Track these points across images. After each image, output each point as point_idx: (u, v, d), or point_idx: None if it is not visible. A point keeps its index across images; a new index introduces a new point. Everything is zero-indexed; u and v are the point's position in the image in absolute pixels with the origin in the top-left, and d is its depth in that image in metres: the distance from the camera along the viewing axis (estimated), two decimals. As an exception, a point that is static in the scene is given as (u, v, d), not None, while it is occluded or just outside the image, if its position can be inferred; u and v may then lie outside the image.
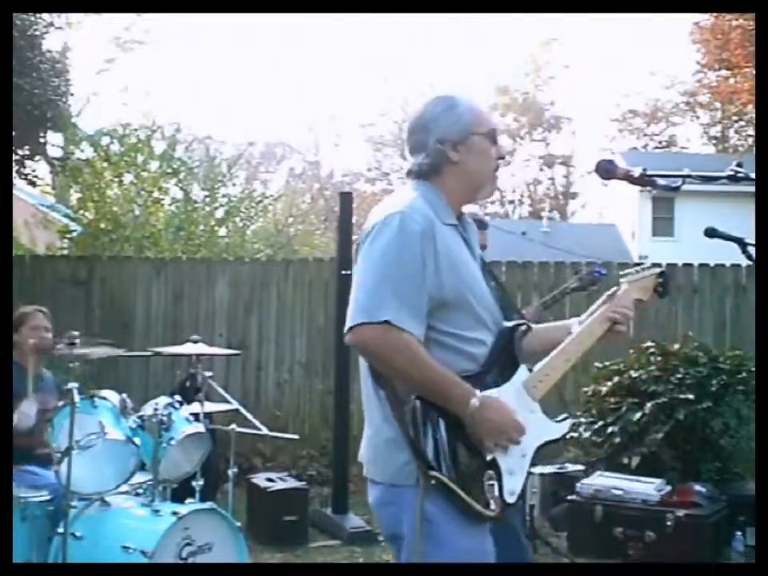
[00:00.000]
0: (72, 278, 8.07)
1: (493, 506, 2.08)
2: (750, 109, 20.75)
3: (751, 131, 23.87)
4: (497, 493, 2.09)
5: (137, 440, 3.82)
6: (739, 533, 5.09)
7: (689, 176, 2.16)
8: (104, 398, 3.88)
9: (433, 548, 2.06)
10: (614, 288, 2.42)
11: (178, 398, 4.27)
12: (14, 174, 11.26)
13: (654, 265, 2.64)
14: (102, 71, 24.99)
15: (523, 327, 2.27)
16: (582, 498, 5.33)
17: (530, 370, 2.24)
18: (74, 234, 10.90)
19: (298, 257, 11.52)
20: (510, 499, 2.11)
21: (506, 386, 2.18)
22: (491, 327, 2.22)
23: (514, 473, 2.13)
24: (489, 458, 2.10)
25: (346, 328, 2.08)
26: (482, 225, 3.94)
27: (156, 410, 4.01)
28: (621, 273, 2.46)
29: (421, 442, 2.03)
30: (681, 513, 4.96)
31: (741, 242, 2.18)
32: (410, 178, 2.28)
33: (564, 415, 2.28)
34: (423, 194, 2.20)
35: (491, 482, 2.09)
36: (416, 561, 2.08)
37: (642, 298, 2.43)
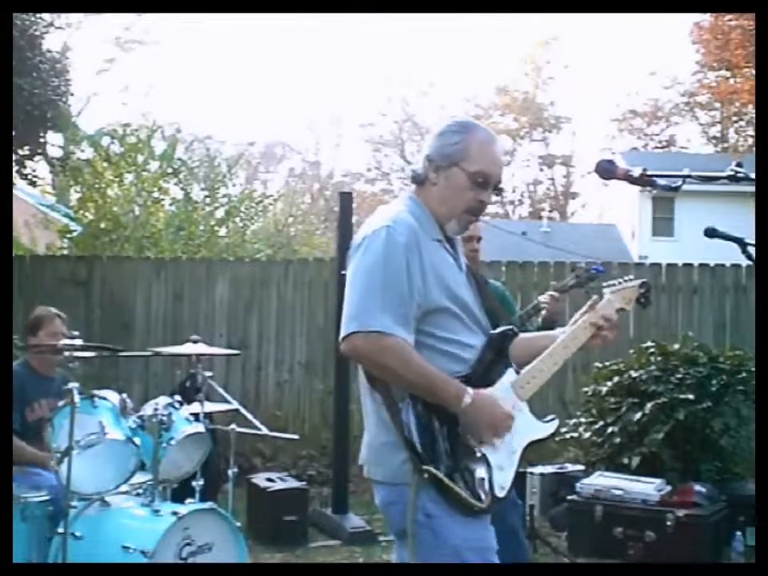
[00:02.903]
0: (72, 278, 8.07)
1: (483, 499, 2.17)
2: (750, 109, 20.74)
3: (751, 131, 23.85)
4: (487, 487, 2.19)
5: (137, 440, 3.82)
6: (739, 533, 5.09)
7: (689, 176, 2.16)
8: (104, 398, 3.87)
9: (436, 540, 2.16)
10: (595, 297, 2.52)
11: (177, 397, 4.27)
12: (14, 174, 11.25)
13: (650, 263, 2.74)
14: (102, 71, 25.07)
15: (510, 333, 2.39)
16: (582, 497, 5.33)
17: (518, 373, 2.34)
18: (74, 233, 10.91)
19: (297, 257, 11.53)
20: (500, 493, 2.21)
21: (493, 387, 2.28)
22: (479, 332, 2.33)
23: (504, 468, 2.23)
24: (479, 454, 2.19)
25: (339, 338, 2.20)
26: None
27: (156, 410, 4.00)
28: (603, 284, 2.57)
29: (414, 439, 2.13)
30: (681, 513, 4.97)
31: (741, 242, 2.18)
32: (410, 181, 2.40)
33: (552, 416, 2.40)
34: (410, 209, 2.30)
35: (482, 477, 2.18)
36: (416, 553, 2.17)
37: (625, 307, 2.55)
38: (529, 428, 2.33)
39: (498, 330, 2.38)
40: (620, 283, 2.56)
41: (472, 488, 2.16)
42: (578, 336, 2.44)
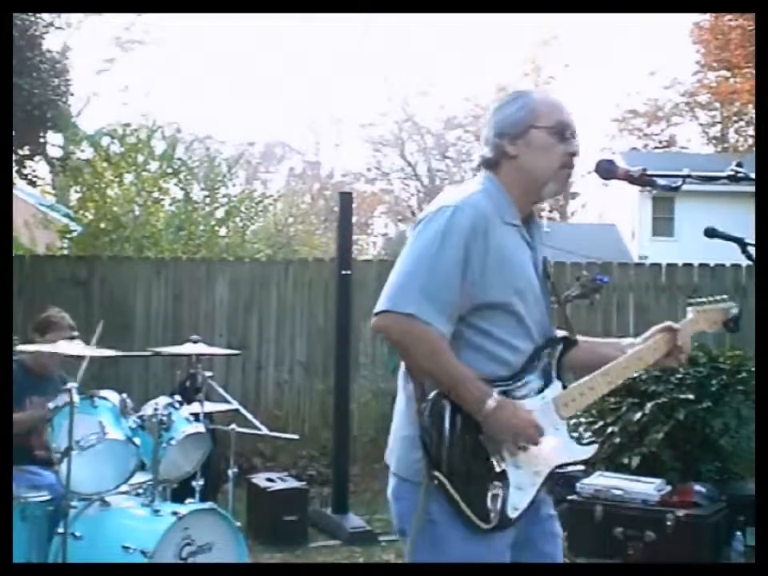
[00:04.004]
0: (72, 278, 8.07)
1: (492, 519, 2.01)
2: (750, 109, 20.75)
3: (751, 131, 23.86)
4: (499, 506, 2.03)
5: (137, 440, 3.82)
6: (739, 533, 5.09)
7: (689, 176, 2.16)
8: (104, 398, 3.88)
9: (432, 549, 2.04)
10: (676, 326, 2.29)
11: (177, 397, 4.27)
12: (14, 174, 11.26)
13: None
14: (102, 71, 25.07)
15: (568, 341, 2.22)
16: (581, 497, 5.33)
17: (565, 387, 2.17)
18: (74, 233, 10.91)
19: (297, 257, 11.54)
20: (512, 514, 2.05)
21: (534, 398, 2.12)
22: (535, 336, 2.15)
23: (523, 488, 2.07)
24: (498, 469, 2.04)
25: (373, 312, 2.06)
26: None
27: (156, 410, 4.01)
28: (689, 300, 2.34)
29: (431, 439, 2.01)
30: (681, 513, 4.97)
31: (741, 242, 2.18)
32: (479, 169, 2.25)
33: (591, 438, 2.23)
34: (487, 189, 2.15)
35: (496, 494, 2.03)
36: (412, 557, 2.07)
37: (708, 330, 2.34)
38: (562, 449, 2.13)
39: (555, 336, 2.20)
40: (708, 302, 2.33)
41: (481, 504, 2.01)
42: (644, 357, 2.24)
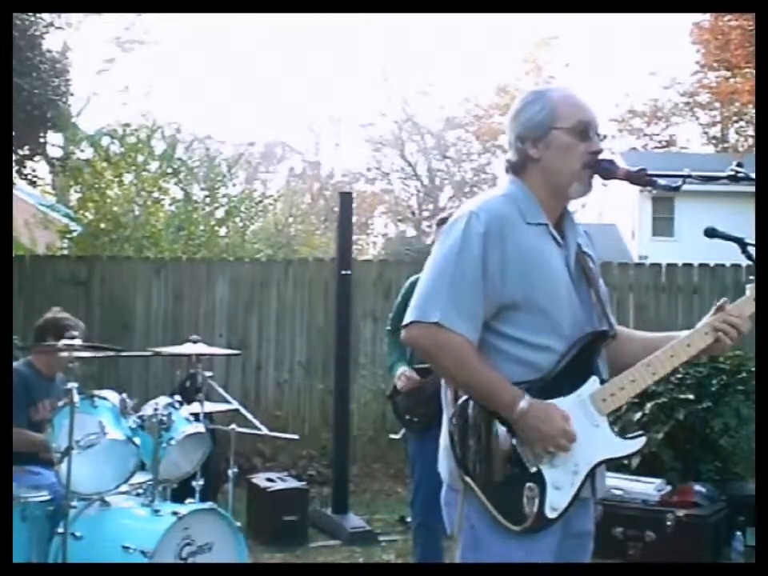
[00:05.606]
0: (72, 278, 8.07)
1: (527, 520, 1.99)
2: (750, 109, 20.76)
3: (751, 131, 23.87)
4: (536, 507, 1.99)
5: (137, 440, 3.82)
6: (739, 533, 5.09)
7: (689, 176, 2.16)
8: (104, 398, 3.87)
9: (473, 554, 2.04)
10: (725, 299, 2.24)
11: (177, 397, 4.27)
12: (14, 174, 11.26)
13: None
14: (102, 71, 25.03)
15: (605, 334, 2.16)
16: (581, 497, 5.32)
17: (603, 383, 2.13)
18: (74, 233, 10.92)
19: (297, 257, 11.56)
20: (551, 514, 2.01)
21: (569, 396, 2.09)
22: (568, 334, 2.09)
23: (561, 488, 2.03)
24: (533, 469, 2.01)
25: (402, 324, 2.10)
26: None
27: (156, 410, 4.00)
28: (750, 277, 2.24)
29: (462, 444, 2.02)
30: (681, 513, 4.97)
31: (741, 242, 2.18)
32: (507, 173, 2.24)
33: (639, 432, 2.18)
34: (511, 193, 2.16)
35: (531, 495, 2.00)
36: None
37: None
38: (603, 446, 2.11)
39: (587, 332, 2.11)
40: None
41: (515, 506, 1.99)
42: (694, 342, 2.14)
